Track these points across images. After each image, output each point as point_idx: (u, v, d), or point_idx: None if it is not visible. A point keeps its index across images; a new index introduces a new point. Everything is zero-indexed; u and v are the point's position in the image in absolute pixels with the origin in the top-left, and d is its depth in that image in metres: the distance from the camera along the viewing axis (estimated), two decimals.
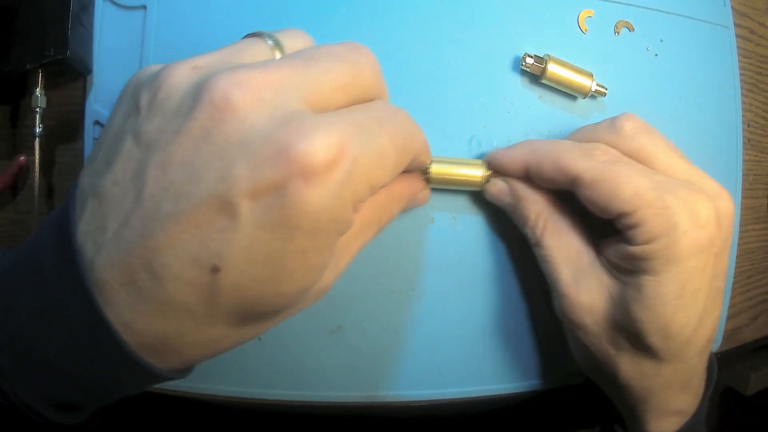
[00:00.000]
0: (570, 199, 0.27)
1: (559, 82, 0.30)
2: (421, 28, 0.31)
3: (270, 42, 0.20)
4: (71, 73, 0.30)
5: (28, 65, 0.28)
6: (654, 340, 0.24)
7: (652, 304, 0.24)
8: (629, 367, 0.26)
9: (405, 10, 0.30)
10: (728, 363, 0.47)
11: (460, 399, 0.32)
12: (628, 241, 0.24)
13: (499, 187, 0.28)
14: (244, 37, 0.21)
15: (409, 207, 0.26)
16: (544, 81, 0.31)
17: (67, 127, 0.31)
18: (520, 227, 0.28)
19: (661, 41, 0.33)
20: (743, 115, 0.35)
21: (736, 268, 0.37)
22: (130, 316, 0.18)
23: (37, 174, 0.30)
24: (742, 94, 0.36)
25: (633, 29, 0.33)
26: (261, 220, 0.16)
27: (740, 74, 0.35)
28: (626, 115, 0.27)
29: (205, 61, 0.18)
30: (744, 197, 0.37)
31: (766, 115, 0.38)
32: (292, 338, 0.30)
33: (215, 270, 0.17)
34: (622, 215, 0.24)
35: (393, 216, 0.25)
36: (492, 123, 0.31)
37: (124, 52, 0.30)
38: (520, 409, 0.36)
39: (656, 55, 0.33)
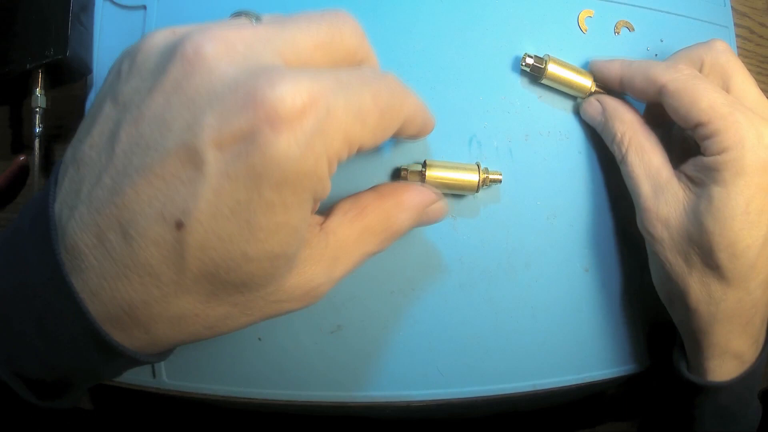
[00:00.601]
0: (653, 121, 0.30)
1: (559, 82, 0.31)
2: (421, 28, 0.31)
3: (253, 20, 0.20)
4: (71, 73, 0.30)
5: (28, 65, 0.28)
6: (722, 255, 0.26)
7: (721, 216, 0.26)
8: (699, 287, 0.28)
9: (405, 10, 0.30)
10: None
11: (460, 399, 0.32)
12: (703, 153, 0.27)
13: (593, 106, 0.31)
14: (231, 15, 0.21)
15: (423, 222, 0.25)
16: (544, 81, 0.31)
17: (67, 127, 0.31)
18: (608, 144, 0.31)
19: (661, 41, 0.33)
20: None
21: None
22: (98, 283, 0.17)
23: (37, 174, 0.30)
24: None
25: (633, 29, 0.33)
26: (227, 169, 0.16)
27: None
28: (719, 39, 0.30)
29: (185, 28, 0.18)
30: None
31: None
32: (291, 338, 0.30)
33: (179, 225, 0.16)
34: (699, 125, 0.26)
35: (402, 229, 0.24)
36: (492, 123, 0.31)
37: None
38: (520, 408, 0.36)
39: (656, 55, 0.33)
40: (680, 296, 0.29)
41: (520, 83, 0.31)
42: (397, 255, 0.30)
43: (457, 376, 0.32)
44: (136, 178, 0.17)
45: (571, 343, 0.33)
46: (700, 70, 0.29)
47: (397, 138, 0.23)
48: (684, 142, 0.30)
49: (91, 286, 0.17)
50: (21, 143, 0.31)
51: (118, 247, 0.17)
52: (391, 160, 0.30)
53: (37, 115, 0.29)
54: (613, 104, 0.30)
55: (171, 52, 0.17)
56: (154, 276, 0.17)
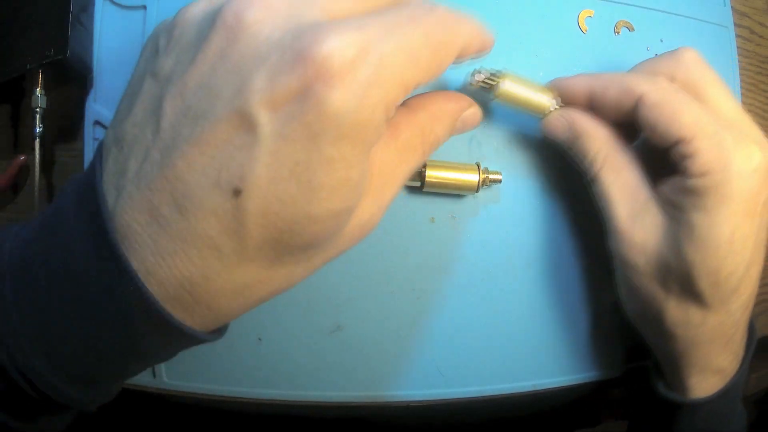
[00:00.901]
0: (628, 136, 0.28)
1: (515, 102, 0.28)
2: None
3: None
4: (71, 73, 0.30)
5: (28, 65, 0.28)
6: (703, 284, 0.25)
7: (703, 245, 0.24)
8: (676, 312, 0.26)
9: None
10: None
11: (460, 399, 0.32)
12: (684, 173, 0.24)
13: (558, 122, 0.28)
14: None
15: (459, 129, 0.24)
16: (496, 100, 0.28)
17: (67, 127, 0.31)
18: (578, 163, 0.28)
19: (661, 41, 0.33)
20: None
21: None
22: (154, 261, 0.17)
23: (37, 174, 0.30)
24: (742, 94, 0.36)
25: (633, 29, 0.33)
26: (282, 130, 0.16)
27: (740, 74, 0.35)
28: (688, 48, 0.27)
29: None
30: None
31: (766, 115, 0.38)
32: (291, 338, 0.30)
33: (237, 193, 0.16)
34: (680, 141, 0.24)
35: (439, 139, 0.23)
36: (492, 122, 0.31)
37: (124, 52, 0.30)
38: (520, 409, 0.36)
39: (656, 55, 0.33)
40: (655, 320, 0.27)
41: None
42: (397, 255, 0.30)
43: (457, 376, 0.32)
44: (186, 149, 0.16)
45: (571, 343, 0.33)
46: None
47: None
48: (655, 159, 0.28)
49: (147, 266, 0.17)
50: (21, 143, 0.31)
51: (174, 221, 0.16)
52: None
53: (37, 116, 0.29)
54: (582, 119, 0.27)
55: (211, 22, 0.17)
56: (214, 248, 0.17)
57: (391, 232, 0.30)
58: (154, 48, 0.18)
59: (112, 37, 0.30)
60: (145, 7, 0.29)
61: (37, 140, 0.29)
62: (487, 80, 0.27)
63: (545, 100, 0.28)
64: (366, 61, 0.16)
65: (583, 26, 0.32)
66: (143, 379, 0.31)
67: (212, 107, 0.16)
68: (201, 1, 0.18)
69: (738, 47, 0.35)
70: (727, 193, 0.23)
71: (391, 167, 0.21)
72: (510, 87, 0.27)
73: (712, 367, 0.27)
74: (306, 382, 0.31)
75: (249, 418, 0.35)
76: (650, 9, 0.33)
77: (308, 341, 0.30)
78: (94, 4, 0.30)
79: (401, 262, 0.30)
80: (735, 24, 0.35)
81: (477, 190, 0.29)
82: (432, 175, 0.28)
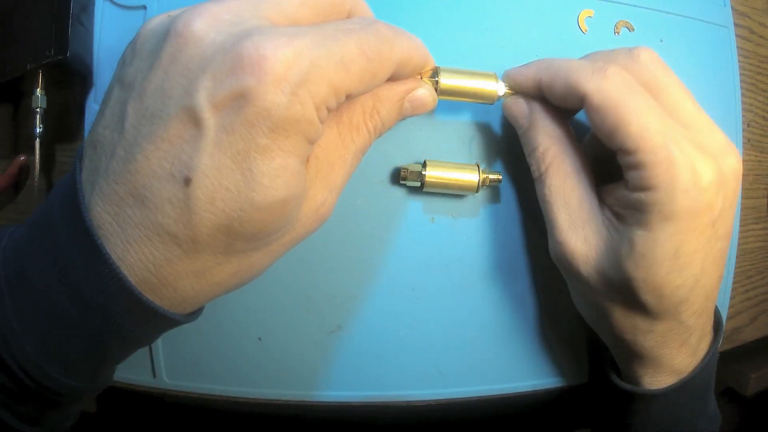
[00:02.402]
0: (581, 140, 0.26)
1: (458, 94, 0.27)
2: (420, 28, 0.30)
3: None
4: (71, 73, 0.30)
5: (28, 66, 0.28)
6: (647, 298, 0.24)
7: (644, 263, 0.23)
8: (623, 321, 0.26)
9: (404, 10, 0.30)
10: (728, 363, 0.47)
11: (460, 399, 0.32)
12: (627, 184, 0.23)
13: (519, 107, 0.27)
14: None
15: (408, 112, 0.24)
16: (440, 97, 0.26)
17: (67, 127, 0.31)
18: (526, 155, 0.27)
19: (661, 41, 0.33)
20: (743, 115, 0.35)
21: (736, 268, 0.37)
22: (123, 248, 0.19)
23: (37, 174, 0.30)
24: (742, 94, 0.36)
25: (633, 29, 0.33)
26: (223, 123, 0.18)
27: (740, 74, 0.35)
28: (643, 46, 0.25)
29: (178, 10, 0.20)
30: (744, 197, 0.37)
31: (766, 115, 0.39)
32: (291, 338, 0.30)
33: (188, 181, 0.18)
34: (623, 152, 0.23)
35: (384, 120, 0.23)
36: (492, 123, 0.31)
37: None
38: (519, 408, 0.36)
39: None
40: (604, 325, 0.27)
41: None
42: (397, 255, 0.30)
43: (457, 376, 0.32)
44: (145, 145, 0.18)
45: (572, 343, 0.33)
46: None
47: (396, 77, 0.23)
48: (605, 158, 0.26)
49: (118, 252, 0.19)
50: (21, 143, 0.31)
51: (136, 211, 0.18)
52: (392, 160, 0.30)
53: (38, 116, 0.29)
54: (541, 113, 0.26)
55: (165, 32, 0.19)
56: (171, 234, 0.18)
57: (391, 232, 0.30)
58: (122, 59, 0.21)
59: (112, 37, 0.30)
60: (145, 7, 0.29)
61: (38, 140, 0.29)
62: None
63: (490, 86, 0.27)
64: (297, 63, 0.18)
65: (583, 26, 0.32)
66: (143, 379, 0.31)
67: (165, 107, 0.18)
68: (160, 16, 0.20)
69: (738, 47, 0.35)
70: (670, 211, 0.22)
71: (335, 149, 0.22)
72: (449, 80, 0.26)
73: (666, 368, 0.27)
74: (306, 382, 0.31)
75: (249, 418, 0.35)
76: (650, 9, 0.33)
77: (308, 341, 0.30)
78: (94, 4, 0.30)
79: (401, 262, 0.30)
80: (735, 24, 0.35)
81: (477, 190, 0.29)
82: (432, 175, 0.28)
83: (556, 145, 0.26)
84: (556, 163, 0.26)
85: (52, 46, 0.28)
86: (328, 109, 0.19)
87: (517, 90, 0.27)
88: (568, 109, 0.27)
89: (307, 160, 0.21)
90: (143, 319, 0.20)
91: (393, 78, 0.22)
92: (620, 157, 0.23)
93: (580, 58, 0.28)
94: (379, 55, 0.20)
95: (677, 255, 0.23)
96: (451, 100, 0.27)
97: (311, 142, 0.19)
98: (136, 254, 0.19)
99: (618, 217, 0.24)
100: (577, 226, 0.25)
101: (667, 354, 0.26)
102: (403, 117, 0.25)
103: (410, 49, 0.22)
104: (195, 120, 0.18)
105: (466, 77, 0.26)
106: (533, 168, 0.27)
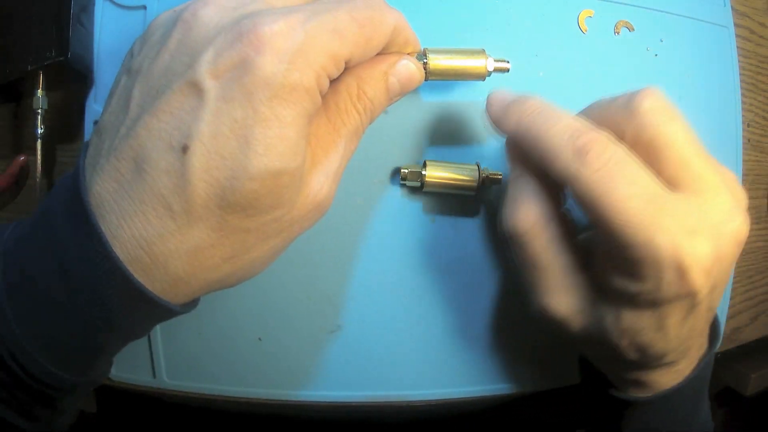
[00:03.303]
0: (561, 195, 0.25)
1: (448, 74, 0.26)
2: (419, 28, 0.30)
3: None
4: (72, 73, 0.30)
5: (29, 67, 0.28)
6: (632, 356, 0.24)
7: (630, 334, 0.23)
8: (607, 365, 0.27)
9: (404, 10, 0.30)
10: (728, 363, 0.47)
11: (460, 399, 0.32)
12: (611, 268, 0.22)
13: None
14: None
15: (396, 88, 0.24)
16: (431, 78, 0.26)
17: (68, 127, 0.31)
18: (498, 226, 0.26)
19: (661, 41, 0.33)
20: (743, 115, 0.35)
21: (736, 268, 0.37)
22: (117, 224, 0.19)
23: (38, 175, 0.30)
24: (742, 94, 0.36)
25: (633, 29, 0.33)
26: (223, 93, 0.18)
27: (740, 74, 0.35)
28: (648, 90, 0.23)
29: (184, 4, 0.21)
30: None
31: (766, 115, 0.38)
32: (292, 338, 0.30)
33: (185, 149, 0.18)
34: (609, 241, 0.21)
35: (373, 100, 0.23)
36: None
37: (124, 52, 0.29)
38: (519, 409, 0.36)
39: (656, 55, 0.33)
40: (590, 359, 0.27)
41: (521, 83, 0.31)
42: (397, 255, 0.30)
43: (457, 376, 0.32)
44: (147, 119, 0.19)
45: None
46: (621, 141, 0.22)
47: (388, 49, 0.23)
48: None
49: (112, 230, 0.19)
50: (22, 144, 0.31)
51: (134, 183, 0.19)
52: (391, 160, 0.30)
53: (39, 116, 0.29)
54: (520, 186, 0.24)
55: (174, 21, 0.20)
56: (166, 206, 0.19)
57: (391, 232, 0.30)
58: (130, 54, 0.22)
59: (112, 37, 0.30)
60: (145, 7, 0.29)
61: (39, 141, 0.29)
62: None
63: (479, 62, 0.27)
64: (292, 34, 0.19)
65: (583, 26, 0.32)
66: (143, 379, 0.31)
67: (170, 82, 0.19)
68: (167, 12, 0.21)
69: (738, 47, 0.35)
70: (654, 300, 0.21)
71: (327, 134, 0.22)
72: (438, 60, 0.26)
73: (657, 384, 0.26)
74: (306, 382, 0.31)
75: (248, 418, 0.35)
76: (650, 9, 0.33)
77: (308, 341, 0.30)
78: (94, 4, 0.30)
79: (401, 262, 0.30)
80: (735, 24, 0.35)
81: (477, 190, 0.29)
82: (432, 175, 0.28)
83: (535, 216, 0.24)
84: (535, 231, 0.24)
85: (52, 47, 0.28)
86: (330, 78, 0.20)
87: (494, 127, 0.25)
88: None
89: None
90: (133, 305, 0.20)
91: (386, 49, 0.23)
92: (605, 240, 0.22)
93: (579, 113, 0.25)
94: (371, 21, 0.21)
95: (661, 326, 0.22)
96: (441, 80, 0.27)
97: (311, 113, 0.20)
98: (130, 229, 0.19)
99: (605, 289, 0.23)
100: (560, 291, 0.24)
101: (657, 377, 0.26)
102: (393, 95, 0.24)
103: (401, 19, 0.23)
104: (197, 91, 0.18)
105: (455, 56, 0.26)
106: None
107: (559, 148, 0.22)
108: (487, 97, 0.25)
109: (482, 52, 0.27)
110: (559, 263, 0.24)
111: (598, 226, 0.21)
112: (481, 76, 0.27)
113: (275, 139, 0.19)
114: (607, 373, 0.28)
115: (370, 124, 0.24)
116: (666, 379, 0.26)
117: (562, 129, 0.22)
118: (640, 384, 0.26)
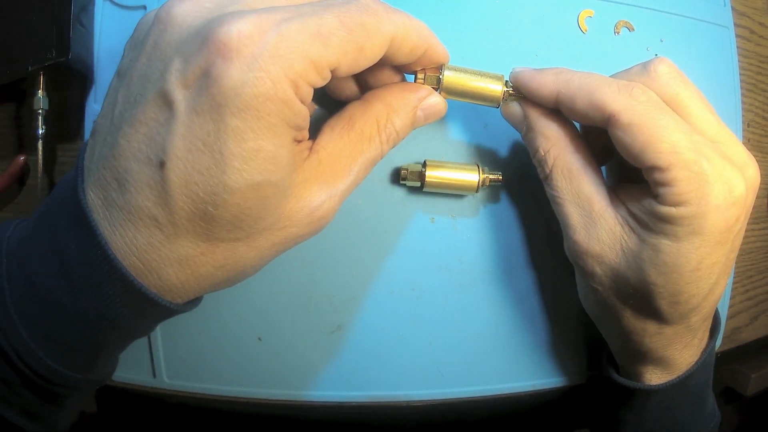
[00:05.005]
0: (587, 136, 0.26)
1: (462, 95, 0.26)
2: None
3: None
4: (72, 73, 0.30)
5: (30, 68, 0.28)
6: (662, 303, 0.24)
7: (667, 271, 0.23)
8: (632, 321, 0.26)
9: (404, 10, 0.30)
10: (728, 363, 0.47)
11: (459, 399, 0.32)
12: (656, 198, 0.23)
13: (513, 111, 0.27)
14: None
15: (421, 121, 0.24)
16: (443, 94, 0.25)
17: (68, 127, 0.31)
18: (531, 155, 0.27)
19: (661, 41, 0.33)
20: (743, 115, 0.35)
21: (736, 268, 0.37)
22: (110, 231, 0.19)
23: (40, 175, 0.30)
24: (742, 94, 0.36)
25: (633, 29, 0.33)
26: (193, 105, 0.17)
27: (740, 74, 0.35)
28: (660, 58, 0.25)
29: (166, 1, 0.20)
30: None
31: (766, 115, 0.38)
32: (292, 338, 0.30)
33: (162, 164, 0.18)
34: (655, 169, 0.22)
35: (398, 131, 0.23)
36: (492, 123, 0.31)
37: None
38: (519, 408, 0.36)
39: (656, 55, 0.33)
40: (610, 323, 0.27)
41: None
42: (397, 255, 0.30)
43: (457, 376, 0.32)
44: (126, 129, 0.18)
45: (571, 343, 0.33)
46: None
47: (391, 60, 0.22)
48: (622, 167, 0.27)
49: (107, 236, 0.19)
50: (23, 144, 0.31)
51: (120, 193, 0.18)
52: (391, 160, 0.30)
53: (40, 117, 0.29)
54: (535, 114, 0.26)
55: (152, 21, 0.19)
56: (152, 218, 0.18)
57: (391, 232, 0.30)
58: (123, 55, 0.21)
59: (112, 37, 0.30)
60: (145, 7, 0.29)
61: (40, 142, 0.29)
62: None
63: (495, 88, 0.26)
64: (262, 37, 0.17)
65: (583, 26, 0.32)
66: (143, 379, 0.31)
67: (145, 91, 0.18)
68: (154, 9, 0.20)
69: (738, 47, 0.35)
70: (701, 226, 0.22)
71: (343, 156, 0.22)
72: (453, 77, 0.25)
73: (666, 366, 0.27)
74: (306, 382, 0.31)
75: (249, 419, 0.35)
76: (650, 9, 0.33)
77: (308, 341, 0.30)
78: (94, 5, 0.30)
79: (401, 262, 0.30)
80: (735, 24, 0.35)
81: (477, 190, 0.29)
82: (432, 175, 0.28)
83: (556, 146, 0.25)
84: (559, 164, 0.25)
85: (53, 48, 0.28)
86: (312, 86, 0.18)
87: (528, 96, 0.26)
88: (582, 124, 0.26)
89: (307, 158, 0.21)
90: (134, 305, 0.20)
91: (389, 58, 0.21)
92: (649, 173, 0.23)
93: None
94: (362, 26, 0.19)
95: (699, 267, 0.23)
96: (453, 100, 0.26)
97: (293, 125, 0.19)
98: (121, 238, 0.19)
99: (641, 224, 0.24)
100: (590, 225, 0.25)
101: (670, 354, 0.27)
102: (415, 126, 0.24)
103: (405, 27, 0.21)
104: (168, 102, 0.18)
105: (471, 76, 0.25)
106: (538, 170, 0.27)
107: (605, 88, 0.23)
108: (513, 72, 0.26)
109: (500, 77, 0.26)
110: (584, 195, 0.25)
111: (646, 153, 0.22)
112: (495, 103, 0.26)
113: (252, 153, 0.18)
114: (624, 353, 0.28)
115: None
116: (685, 355, 0.27)
117: (603, 79, 0.24)
118: (660, 361, 0.27)
